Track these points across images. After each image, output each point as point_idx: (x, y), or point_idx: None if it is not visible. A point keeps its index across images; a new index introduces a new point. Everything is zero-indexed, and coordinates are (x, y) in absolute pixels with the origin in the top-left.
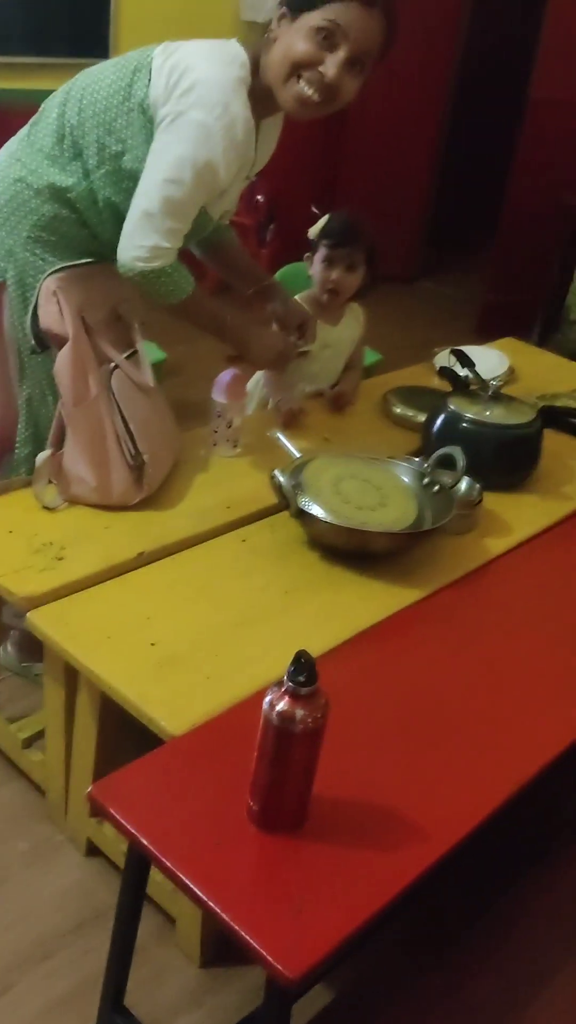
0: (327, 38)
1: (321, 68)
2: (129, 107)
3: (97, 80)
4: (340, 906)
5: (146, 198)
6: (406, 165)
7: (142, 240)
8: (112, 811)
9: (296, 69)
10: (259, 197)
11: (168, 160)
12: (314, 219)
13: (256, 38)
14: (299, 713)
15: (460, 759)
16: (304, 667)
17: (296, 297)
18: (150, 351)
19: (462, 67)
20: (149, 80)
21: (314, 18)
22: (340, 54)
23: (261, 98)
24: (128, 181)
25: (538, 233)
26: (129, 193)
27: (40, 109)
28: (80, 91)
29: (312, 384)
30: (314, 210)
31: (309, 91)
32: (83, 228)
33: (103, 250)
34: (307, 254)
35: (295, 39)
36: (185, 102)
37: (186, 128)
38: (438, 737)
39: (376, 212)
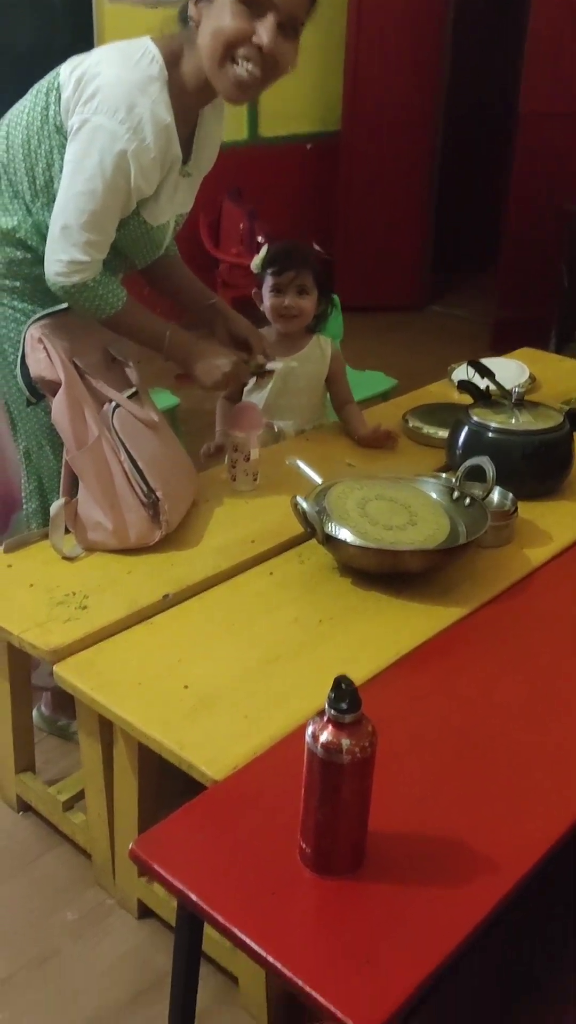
0: (252, 6)
1: (255, 39)
2: (48, 130)
3: (18, 113)
4: (410, 951)
5: (62, 212)
6: (403, 194)
7: (60, 255)
8: (157, 868)
9: (230, 49)
10: (259, 237)
11: (77, 171)
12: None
13: (170, 30)
14: (345, 743)
15: (522, 782)
16: (345, 693)
17: None
18: (163, 397)
19: (450, 90)
20: (59, 94)
21: None
22: (270, 18)
23: (191, 90)
24: None
25: (542, 244)
26: None
27: None
28: (5, 128)
29: (278, 419)
30: (316, 248)
31: (249, 68)
32: (42, 267)
33: None
34: (254, 290)
35: (221, 17)
36: (89, 109)
37: (90, 135)
38: (496, 761)
39: (378, 242)
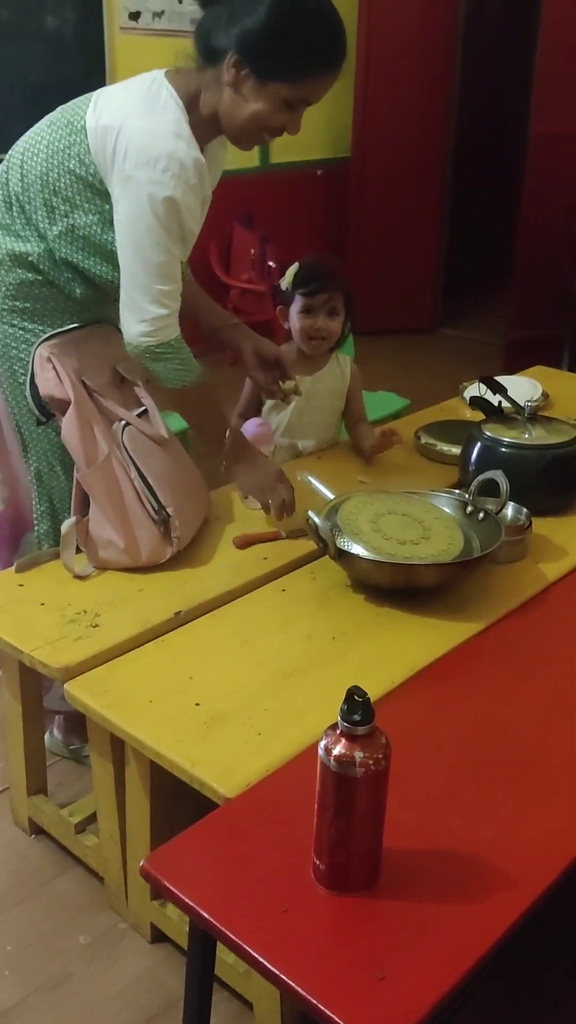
0: (293, 105)
1: (288, 130)
2: (70, 168)
3: (35, 144)
4: (427, 969)
5: (129, 272)
6: (414, 217)
7: (141, 315)
8: (168, 884)
9: (262, 131)
10: (271, 263)
11: (135, 228)
12: None
13: (183, 64)
14: (358, 755)
15: (539, 797)
16: (358, 704)
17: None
18: (175, 421)
19: (460, 113)
20: (87, 141)
21: (286, 90)
22: (301, 111)
23: (203, 127)
24: (81, 239)
25: (553, 265)
26: (84, 251)
27: None
28: (19, 157)
29: (300, 438)
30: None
31: (267, 139)
32: (52, 288)
33: (80, 310)
34: (279, 307)
35: (265, 107)
36: (129, 165)
37: (138, 191)
38: (512, 776)
39: (390, 265)
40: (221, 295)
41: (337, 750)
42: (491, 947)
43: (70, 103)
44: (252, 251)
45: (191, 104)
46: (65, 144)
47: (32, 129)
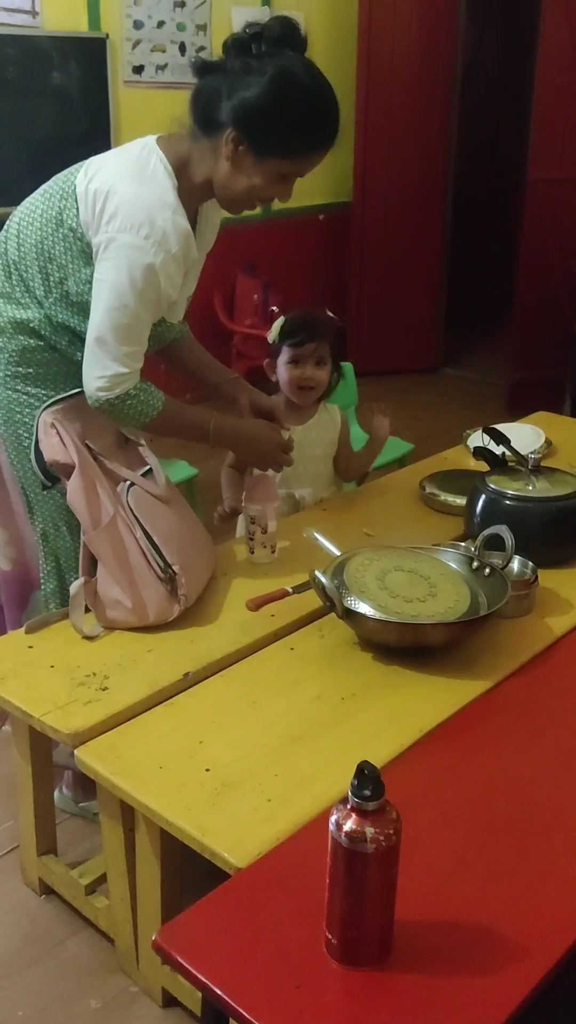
0: (287, 178)
1: (280, 199)
2: (63, 234)
3: (30, 212)
4: None
5: (96, 329)
6: (415, 259)
7: (101, 371)
8: (180, 959)
9: (255, 202)
10: (273, 308)
11: (109, 288)
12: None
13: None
14: (369, 831)
15: (553, 862)
16: (368, 779)
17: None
18: (181, 469)
19: (458, 156)
20: (76, 206)
21: (284, 166)
22: (293, 181)
23: (195, 191)
24: (75, 304)
25: (553, 307)
26: (79, 315)
27: None
28: (16, 226)
29: (296, 488)
30: (329, 314)
31: (258, 206)
32: (55, 353)
33: (81, 373)
34: (267, 360)
35: (261, 181)
36: (112, 228)
37: (118, 253)
38: (525, 841)
39: (392, 306)
40: (225, 340)
41: (348, 826)
42: (506, 1019)
43: (64, 171)
44: (255, 296)
45: (181, 169)
46: (57, 211)
47: (28, 198)
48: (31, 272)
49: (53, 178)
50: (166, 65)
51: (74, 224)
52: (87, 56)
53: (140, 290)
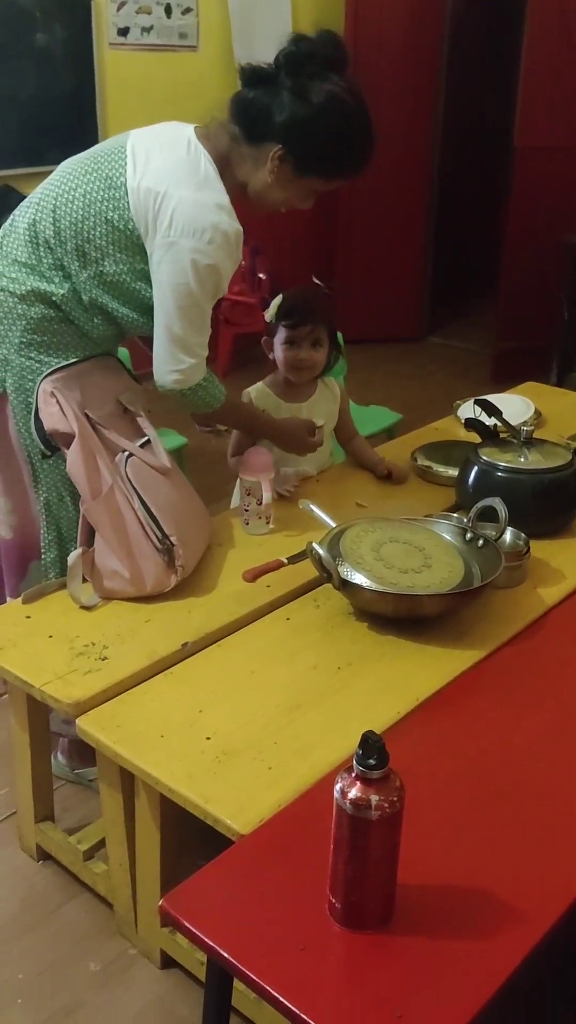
0: (317, 193)
1: (303, 207)
2: (106, 219)
3: (70, 191)
4: (443, 1005)
5: (168, 327)
6: (401, 226)
7: (176, 364)
8: (187, 924)
9: (283, 209)
10: (261, 275)
11: (176, 290)
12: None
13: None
14: (374, 799)
15: (548, 827)
16: (373, 748)
17: (260, 383)
18: (170, 437)
19: (446, 124)
20: (127, 200)
21: (321, 184)
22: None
23: (233, 190)
24: (109, 284)
25: (540, 275)
26: (110, 294)
27: (9, 222)
28: (52, 202)
29: (302, 464)
30: (315, 282)
31: (282, 210)
32: (71, 325)
33: (90, 346)
34: (264, 338)
35: (296, 194)
36: (173, 233)
37: (181, 257)
38: (521, 806)
39: (378, 274)
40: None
41: (353, 793)
42: (505, 982)
43: (100, 152)
44: (242, 263)
45: (223, 166)
46: (103, 197)
47: (62, 175)
48: (66, 248)
49: (91, 155)
50: (152, 27)
51: (123, 216)
52: (71, 17)
53: (206, 287)
